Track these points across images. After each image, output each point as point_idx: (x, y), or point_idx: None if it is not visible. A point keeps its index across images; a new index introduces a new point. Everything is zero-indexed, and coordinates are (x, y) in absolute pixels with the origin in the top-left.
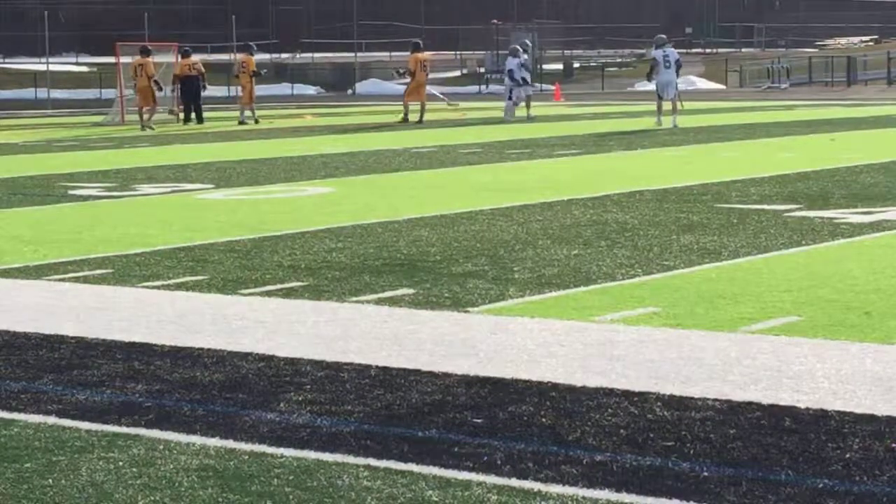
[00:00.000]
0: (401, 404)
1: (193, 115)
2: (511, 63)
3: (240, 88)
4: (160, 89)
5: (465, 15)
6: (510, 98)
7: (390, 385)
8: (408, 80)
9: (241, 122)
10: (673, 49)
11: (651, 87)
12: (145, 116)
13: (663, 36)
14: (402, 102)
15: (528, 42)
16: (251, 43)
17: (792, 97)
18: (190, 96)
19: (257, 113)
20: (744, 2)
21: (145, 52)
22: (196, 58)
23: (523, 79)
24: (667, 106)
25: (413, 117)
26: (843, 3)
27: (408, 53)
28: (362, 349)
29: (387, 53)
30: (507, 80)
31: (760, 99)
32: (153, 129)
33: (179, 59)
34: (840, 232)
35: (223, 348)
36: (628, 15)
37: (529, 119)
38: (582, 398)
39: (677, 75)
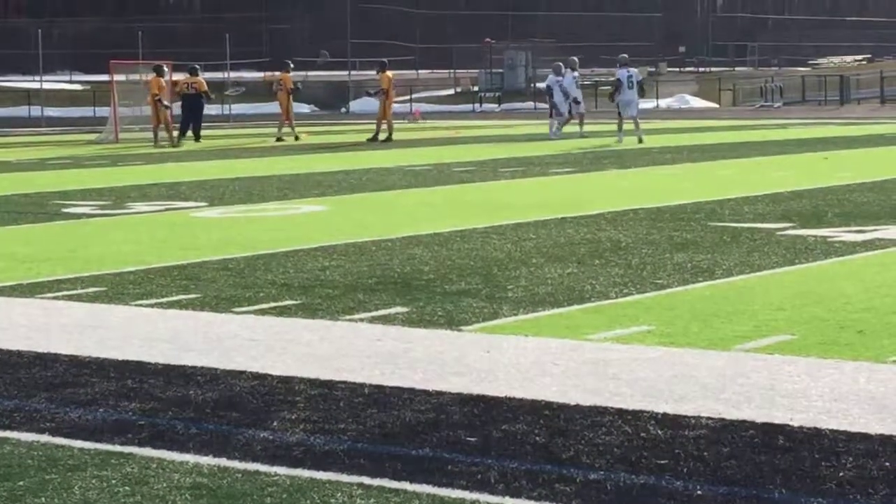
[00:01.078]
0: (394, 423)
1: (190, 132)
2: (566, 80)
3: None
4: (167, 107)
5: (458, 33)
6: (560, 114)
7: (384, 403)
8: (379, 99)
9: (278, 140)
10: (635, 70)
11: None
12: (161, 134)
13: (626, 55)
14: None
15: (575, 59)
16: (287, 60)
17: (785, 116)
18: (190, 115)
19: (296, 129)
20: (737, 21)
21: (159, 71)
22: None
23: (574, 98)
24: (628, 125)
25: (382, 135)
26: (835, 22)
27: (393, 72)
28: (356, 367)
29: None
30: (557, 96)
31: (754, 117)
32: (166, 146)
33: (187, 77)
34: (833, 250)
35: (216, 366)
36: (622, 34)
37: (582, 136)
38: (576, 417)
39: (639, 95)
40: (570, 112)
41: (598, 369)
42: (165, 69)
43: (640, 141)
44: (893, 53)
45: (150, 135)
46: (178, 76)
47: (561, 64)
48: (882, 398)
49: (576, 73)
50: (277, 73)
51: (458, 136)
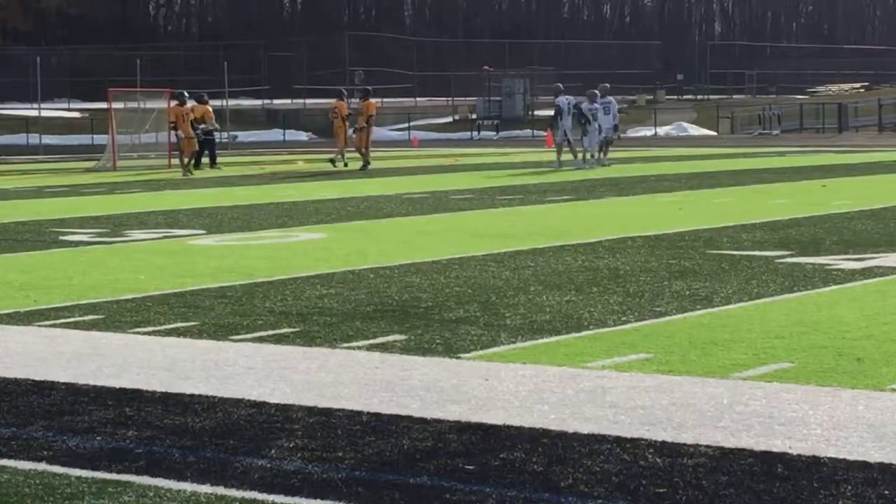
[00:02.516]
0: (392, 451)
1: (206, 159)
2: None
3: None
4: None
5: (457, 61)
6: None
7: (382, 431)
8: (350, 128)
9: (344, 164)
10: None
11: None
12: (185, 161)
13: (560, 85)
14: (362, 150)
15: (607, 85)
16: (342, 88)
17: (783, 143)
18: (204, 143)
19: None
20: (735, 49)
21: (180, 99)
22: (191, 104)
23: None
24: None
25: (354, 164)
26: (833, 49)
27: (390, 99)
28: (354, 395)
29: (378, 99)
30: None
31: (752, 145)
32: (192, 173)
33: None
34: (832, 278)
35: (214, 394)
36: (620, 62)
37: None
38: (574, 445)
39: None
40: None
41: (597, 397)
42: (187, 96)
43: (603, 163)
44: (891, 81)
45: (149, 162)
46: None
47: (597, 92)
48: (881, 426)
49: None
50: (333, 101)
51: (456, 163)
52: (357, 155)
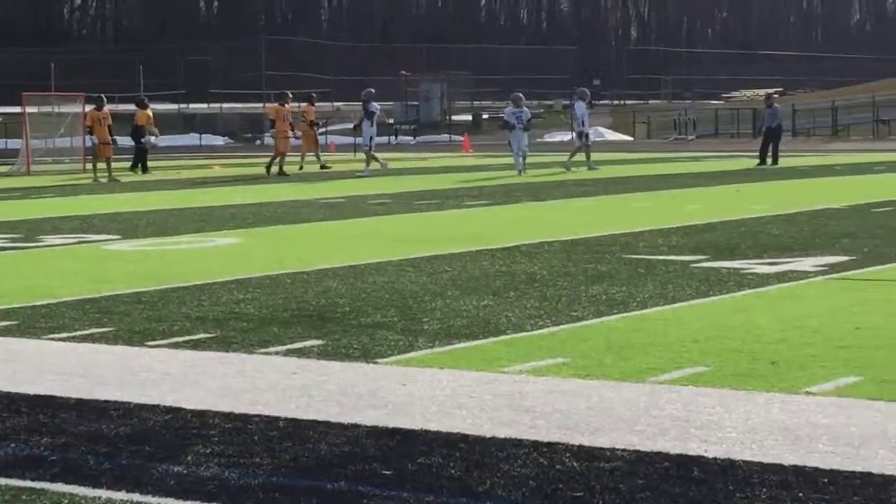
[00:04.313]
0: (309, 456)
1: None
2: (581, 108)
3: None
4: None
5: (374, 65)
6: (583, 143)
7: (299, 437)
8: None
9: (323, 167)
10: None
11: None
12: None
13: (371, 90)
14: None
15: (585, 90)
16: (312, 92)
17: (699, 148)
18: (140, 148)
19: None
20: (651, 54)
21: (98, 103)
22: (108, 108)
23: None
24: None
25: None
26: (748, 55)
27: (304, 104)
28: (270, 401)
29: (296, 104)
30: (580, 125)
31: (668, 150)
32: (115, 178)
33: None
34: (746, 282)
35: (130, 400)
36: (537, 66)
37: (591, 168)
38: (491, 449)
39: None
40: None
41: (514, 402)
42: (104, 100)
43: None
44: (805, 87)
45: (63, 167)
46: (88, 107)
47: (521, 96)
48: (795, 429)
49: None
50: (303, 104)
51: (385, 168)
52: (314, 159)
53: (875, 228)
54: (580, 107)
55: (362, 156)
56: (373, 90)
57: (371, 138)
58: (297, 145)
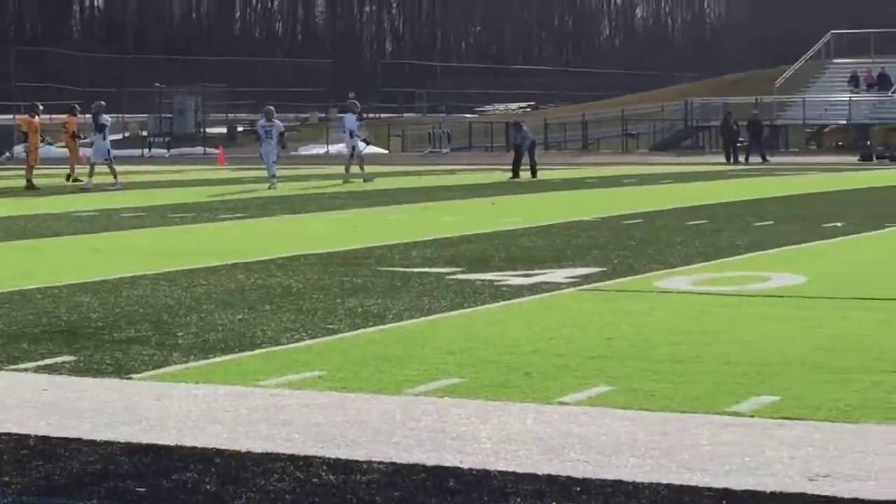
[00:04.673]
0: (61, 474)
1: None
2: (350, 121)
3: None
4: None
5: (128, 77)
6: (352, 156)
7: (50, 455)
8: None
9: (75, 180)
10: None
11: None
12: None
13: (272, 107)
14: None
15: (355, 102)
16: (74, 104)
17: (453, 162)
18: None
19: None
20: (406, 67)
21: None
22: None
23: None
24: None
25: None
26: (502, 69)
27: (64, 116)
28: (20, 419)
29: (47, 116)
30: (348, 138)
31: (422, 163)
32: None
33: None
34: (501, 294)
35: None
36: (293, 79)
37: (366, 180)
38: (247, 464)
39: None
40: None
41: (270, 415)
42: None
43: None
44: (557, 101)
45: None
46: None
47: (272, 109)
48: (549, 439)
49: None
50: (65, 116)
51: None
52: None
53: (625, 240)
54: (350, 119)
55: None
56: (103, 103)
57: (108, 151)
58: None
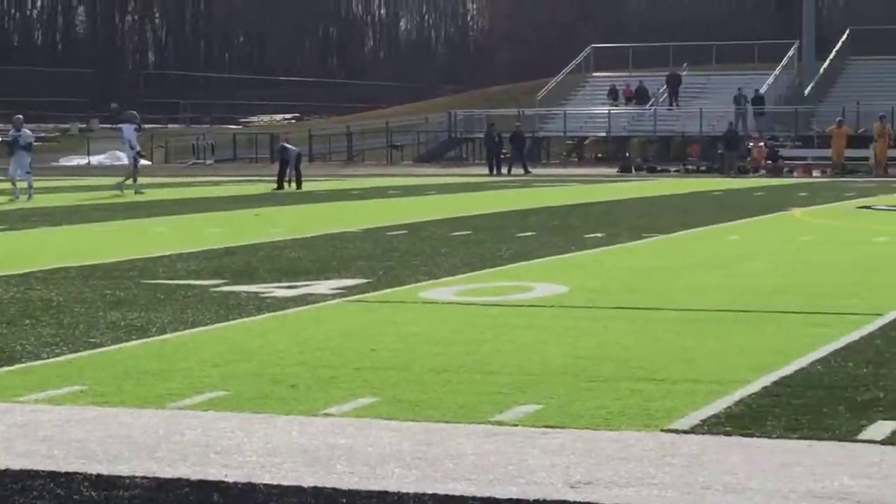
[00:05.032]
0: None
1: None
2: (129, 131)
3: None
4: None
5: None
6: (135, 167)
7: None
8: None
9: None
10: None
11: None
12: None
13: (20, 116)
14: None
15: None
16: None
17: (218, 173)
18: None
19: None
20: (169, 78)
21: None
22: None
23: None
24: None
25: None
26: (267, 80)
27: None
28: None
29: None
30: (128, 149)
31: (187, 175)
32: None
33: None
34: (266, 306)
35: None
36: (53, 89)
37: (138, 192)
38: (6, 481)
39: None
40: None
41: (29, 432)
42: None
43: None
44: (321, 113)
45: None
46: None
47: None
48: (314, 451)
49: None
50: None
51: None
52: None
53: (389, 251)
54: (128, 130)
55: None
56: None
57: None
58: None
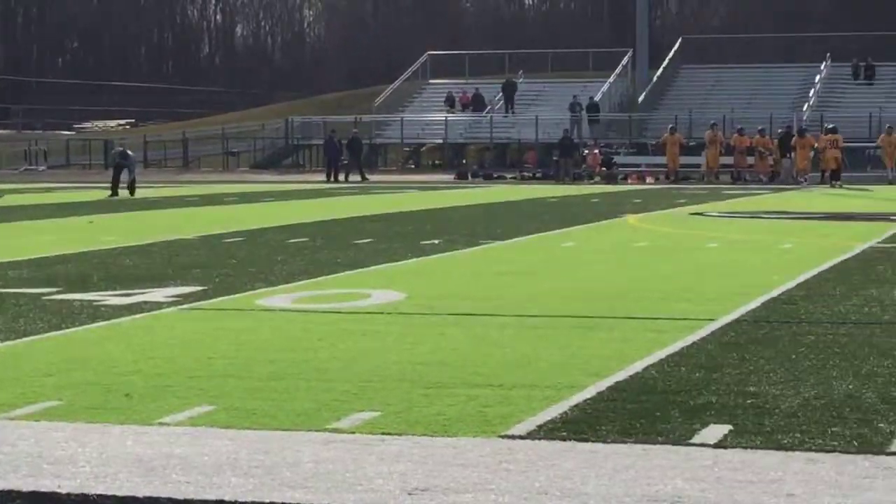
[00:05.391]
0: None
1: None
2: None
3: None
4: None
5: None
6: None
7: None
8: None
9: None
10: None
11: None
12: None
13: None
14: None
15: None
16: None
17: (50, 179)
18: None
19: None
20: None
21: None
22: None
23: None
24: None
25: None
26: (102, 86)
27: None
28: None
29: None
30: None
31: (18, 181)
32: None
33: None
34: (100, 314)
35: None
36: None
37: None
38: None
39: None
40: None
41: None
42: None
43: None
44: (156, 119)
45: None
46: None
47: None
48: (149, 460)
49: None
50: None
51: None
52: None
53: (226, 259)
54: None
55: None
56: None
57: None
58: None
